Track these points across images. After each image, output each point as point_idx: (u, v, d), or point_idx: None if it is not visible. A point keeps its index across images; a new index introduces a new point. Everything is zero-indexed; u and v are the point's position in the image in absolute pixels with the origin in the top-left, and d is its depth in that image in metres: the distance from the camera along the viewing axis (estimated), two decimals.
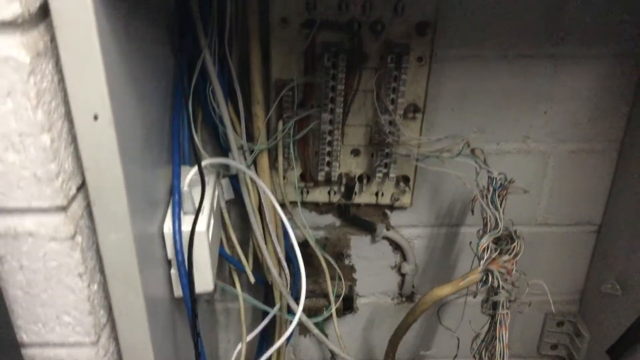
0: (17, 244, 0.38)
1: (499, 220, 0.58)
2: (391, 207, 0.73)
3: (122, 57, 0.38)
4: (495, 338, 0.61)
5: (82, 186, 0.40)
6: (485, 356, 0.63)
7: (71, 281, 0.40)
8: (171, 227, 0.49)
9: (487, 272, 0.57)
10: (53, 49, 0.35)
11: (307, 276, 0.75)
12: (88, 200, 0.40)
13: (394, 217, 0.74)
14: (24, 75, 0.33)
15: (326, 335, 0.72)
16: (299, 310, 0.57)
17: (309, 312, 0.75)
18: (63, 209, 0.38)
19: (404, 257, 0.77)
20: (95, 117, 0.36)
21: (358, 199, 0.70)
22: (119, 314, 0.43)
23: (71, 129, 0.38)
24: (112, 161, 0.37)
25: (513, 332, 0.79)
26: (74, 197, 0.39)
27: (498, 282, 0.57)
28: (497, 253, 0.58)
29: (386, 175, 0.66)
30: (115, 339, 0.46)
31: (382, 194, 0.70)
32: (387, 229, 0.75)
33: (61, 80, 0.36)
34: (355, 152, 0.67)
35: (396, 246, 0.77)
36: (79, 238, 0.39)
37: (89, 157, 0.37)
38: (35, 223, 0.38)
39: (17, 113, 0.34)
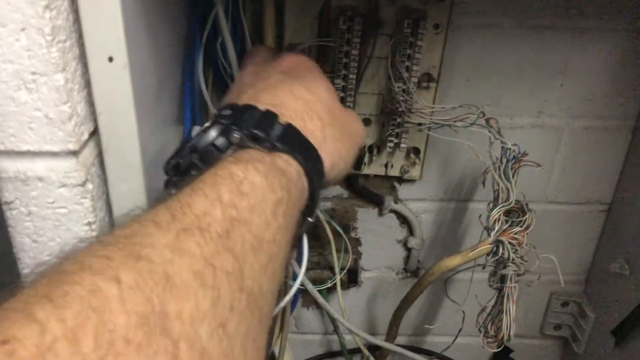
0: (26, 189, 0.38)
1: (511, 192, 0.57)
2: (400, 180, 0.72)
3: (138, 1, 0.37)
4: (502, 312, 0.60)
5: (95, 133, 0.39)
6: (491, 330, 0.62)
7: (80, 230, 0.39)
8: None
9: (497, 243, 0.57)
10: None
11: (312, 248, 0.75)
12: (100, 149, 0.39)
13: (403, 190, 0.73)
14: (39, 10, 0.32)
15: None
16: (302, 273, 0.56)
17: (314, 283, 0.73)
18: (74, 154, 0.37)
19: (410, 232, 0.77)
20: (110, 59, 0.35)
21: (367, 169, 0.69)
22: None
23: (85, 73, 0.37)
24: (126, 106, 0.36)
25: (516, 312, 0.79)
26: (85, 143, 0.38)
27: (508, 254, 0.56)
28: (508, 225, 0.57)
29: (397, 145, 0.65)
30: None
31: (392, 166, 0.69)
32: (395, 202, 0.74)
33: (76, 20, 0.35)
34: (366, 122, 0.66)
35: (403, 220, 0.76)
36: (89, 185, 0.38)
37: (103, 101, 0.36)
38: (45, 168, 0.37)
39: (31, 50, 0.33)
